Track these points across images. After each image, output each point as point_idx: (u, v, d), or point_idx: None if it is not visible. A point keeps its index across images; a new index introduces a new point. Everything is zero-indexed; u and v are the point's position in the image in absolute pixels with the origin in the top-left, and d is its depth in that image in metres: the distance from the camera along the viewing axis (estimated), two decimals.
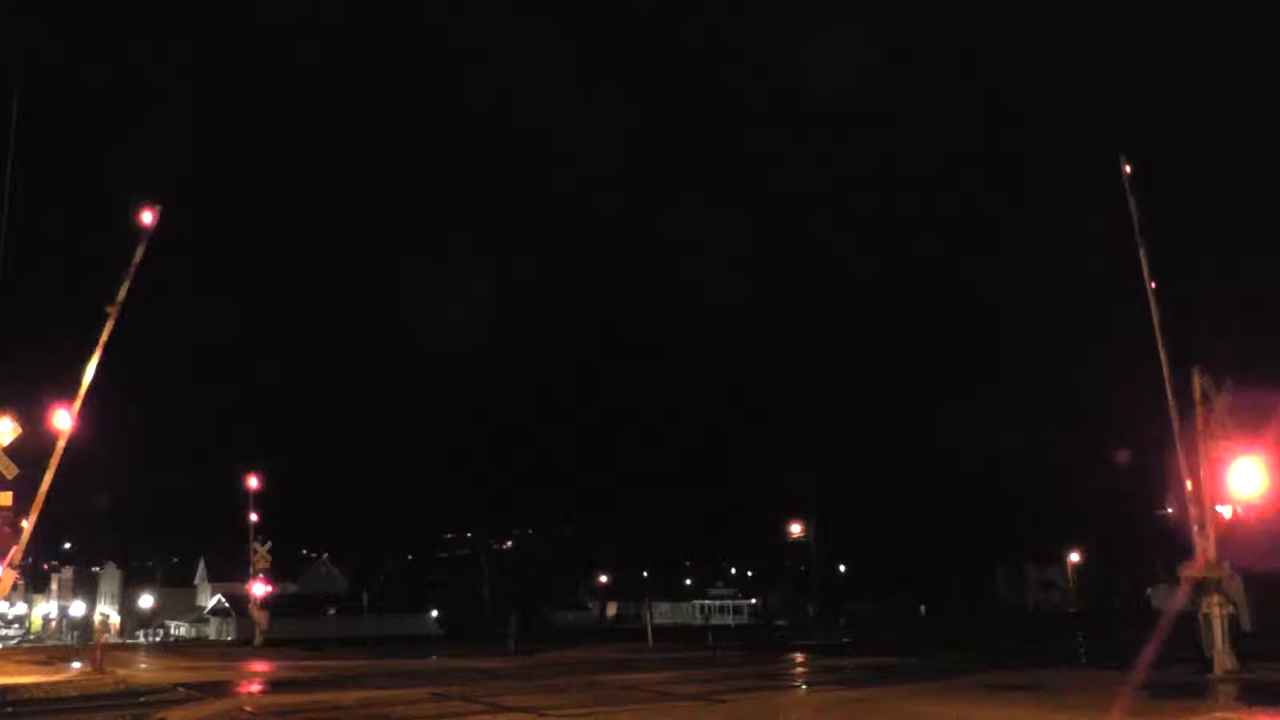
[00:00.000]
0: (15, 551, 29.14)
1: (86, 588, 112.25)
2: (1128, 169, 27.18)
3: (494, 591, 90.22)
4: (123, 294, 30.75)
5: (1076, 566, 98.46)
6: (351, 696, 25.20)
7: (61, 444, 29.02)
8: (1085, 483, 76.55)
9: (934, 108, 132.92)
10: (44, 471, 29.07)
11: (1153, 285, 26.61)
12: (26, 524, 29.32)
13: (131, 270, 30.77)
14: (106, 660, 36.00)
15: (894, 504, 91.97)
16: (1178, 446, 25.54)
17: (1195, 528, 25.23)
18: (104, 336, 30.30)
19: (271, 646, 53.21)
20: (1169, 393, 25.80)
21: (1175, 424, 25.60)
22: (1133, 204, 26.93)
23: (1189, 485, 25.28)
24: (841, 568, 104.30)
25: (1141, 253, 26.72)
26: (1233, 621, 24.46)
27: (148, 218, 31.11)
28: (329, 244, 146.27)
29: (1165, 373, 25.88)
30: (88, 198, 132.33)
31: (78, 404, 29.23)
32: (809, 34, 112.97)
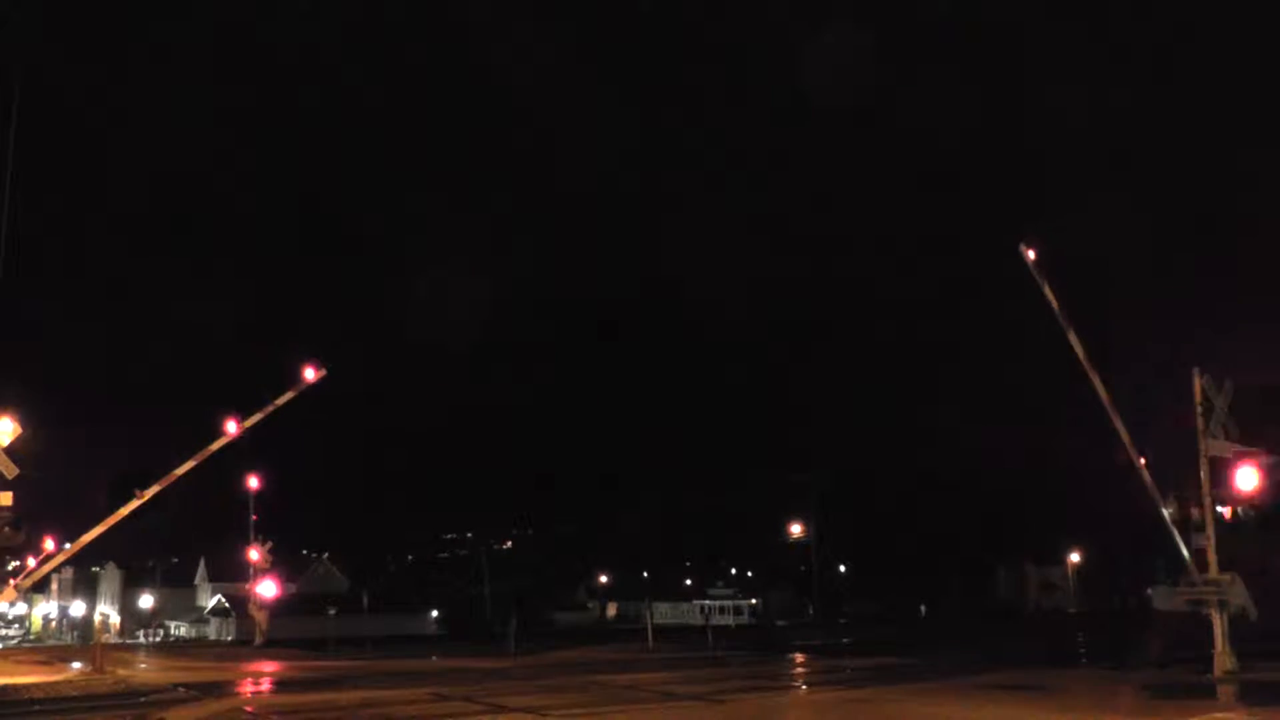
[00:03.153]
0: (32, 575, 29.58)
1: (86, 588, 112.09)
2: (1031, 255, 25.53)
3: (494, 591, 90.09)
4: (251, 422, 31.20)
5: (1077, 566, 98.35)
6: (352, 696, 25.19)
7: (120, 514, 29.22)
8: (1085, 483, 76.49)
9: (934, 108, 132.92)
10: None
11: (1091, 365, 25.83)
12: (51, 544, 29.74)
13: (271, 408, 31.14)
14: (106, 660, 36.07)
15: (894, 504, 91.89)
16: (1160, 502, 25.54)
17: (1179, 539, 25.24)
18: (214, 447, 30.69)
19: (271, 646, 53.20)
20: (1132, 457, 25.68)
21: (1156, 492, 25.57)
22: (1047, 290, 25.46)
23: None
24: (841, 568, 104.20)
25: (1071, 336, 25.41)
26: (1239, 617, 24.43)
27: (310, 374, 31.49)
28: (329, 243, 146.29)
29: (1126, 442, 25.72)
30: (88, 198, 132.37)
31: (153, 489, 29.33)
32: (809, 34, 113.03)
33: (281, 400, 31.29)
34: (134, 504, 29.64)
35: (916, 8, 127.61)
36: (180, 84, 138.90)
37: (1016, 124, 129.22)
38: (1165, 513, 25.49)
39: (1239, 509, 24.77)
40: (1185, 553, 25.05)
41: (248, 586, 60.24)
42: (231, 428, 31.03)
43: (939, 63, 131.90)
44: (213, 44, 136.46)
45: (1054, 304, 25.67)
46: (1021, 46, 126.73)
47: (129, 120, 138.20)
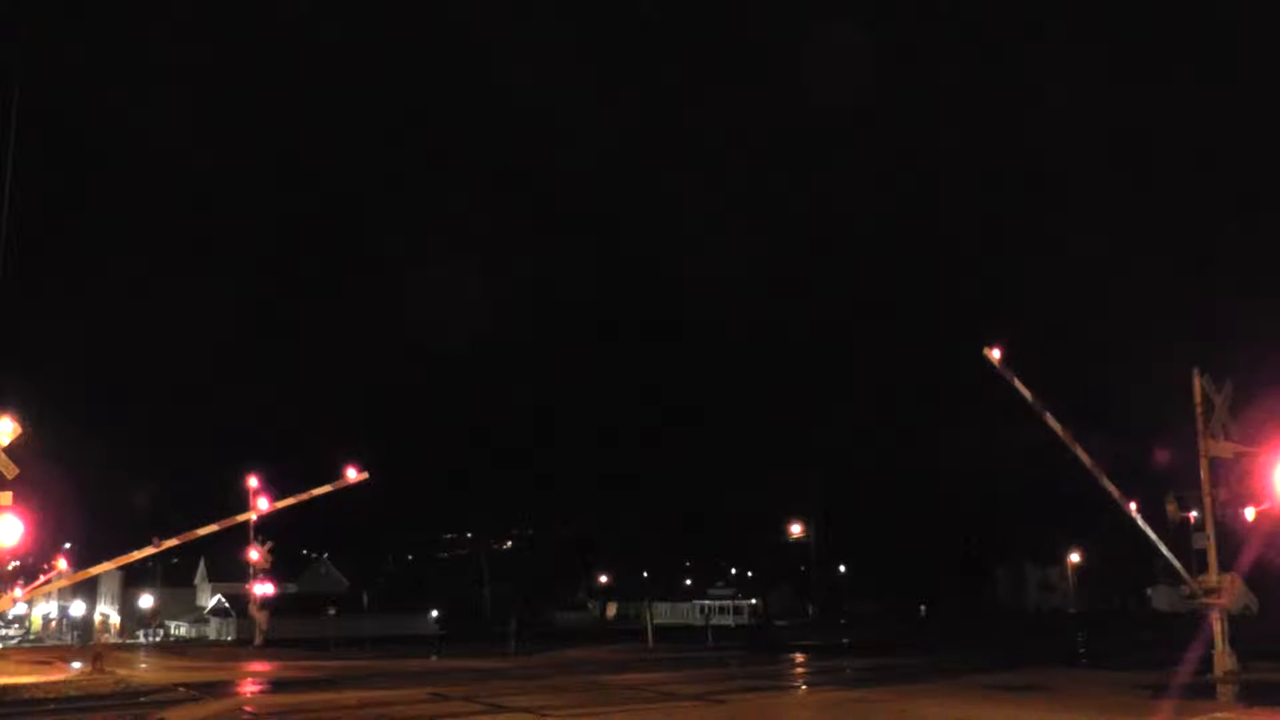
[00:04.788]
0: (38, 590, 29.82)
1: (86, 588, 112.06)
2: (996, 355, 26.19)
3: (494, 591, 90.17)
4: (284, 504, 31.56)
5: (1076, 567, 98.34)
6: (352, 696, 25.21)
7: (132, 556, 29.39)
8: (1085, 483, 76.48)
9: (934, 108, 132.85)
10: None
11: (1072, 439, 26.21)
12: (64, 562, 30.01)
13: (305, 495, 31.46)
14: (106, 660, 36.10)
15: (894, 504, 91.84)
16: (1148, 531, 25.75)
17: (1167, 550, 25.32)
18: (240, 518, 31.08)
19: (271, 646, 53.21)
20: (1123, 505, 26.03)
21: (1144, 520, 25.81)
22: (1018, 384, 26.16)
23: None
24: (841, 568, 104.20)
25: (1047, 418, 26.22)
26: (1243, 614, 24.49)
27: (351, 474, 31.83)
28: (330, 243, 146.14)
29: (1116, 496, 26.00)
30: (88, 199, 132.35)
31: (171, 542, 29.46)
32: (809, 34, 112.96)
33: (318, 491, 31.63)
34: (149, 550, 29.79)
35: (916, 7, 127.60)
36: (180, 84, 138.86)
37: (1016, 124, 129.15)
38: (1152, 535, 25.78)
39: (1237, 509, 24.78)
40: (1175, 561, 25.16)
41: (248, 586, 60.26)
42: (263, 504, 31.59)
43: (939, 63, 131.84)
44: (213, 43, 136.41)
45: (1026, 395, 26.37)
46: (1021, 46, 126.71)
47: (128, 120, 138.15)
